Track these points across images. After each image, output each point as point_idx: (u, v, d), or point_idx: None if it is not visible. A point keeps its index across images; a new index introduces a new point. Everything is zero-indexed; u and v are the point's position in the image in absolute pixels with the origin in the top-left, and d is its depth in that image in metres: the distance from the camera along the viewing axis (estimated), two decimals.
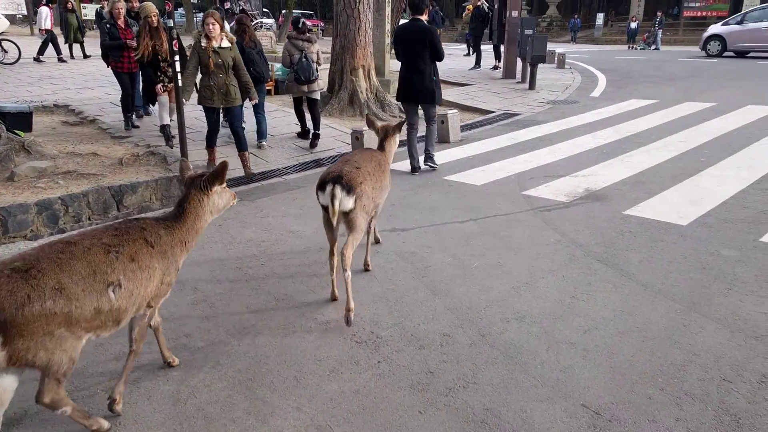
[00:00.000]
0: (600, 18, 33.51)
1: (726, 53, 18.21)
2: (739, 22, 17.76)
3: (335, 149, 7.19)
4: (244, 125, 6.85)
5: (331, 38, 10.06)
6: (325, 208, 3.07)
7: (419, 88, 5.88)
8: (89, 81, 11.64)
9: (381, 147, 3.84)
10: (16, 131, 6.37)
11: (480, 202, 5.04)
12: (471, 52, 20.69)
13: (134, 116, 8.04)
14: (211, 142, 6.23)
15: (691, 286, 3.45)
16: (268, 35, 19.29)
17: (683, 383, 2.54)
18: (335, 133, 7.95)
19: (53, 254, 2.03)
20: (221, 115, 6.37)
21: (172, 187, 5.80)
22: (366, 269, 3.72)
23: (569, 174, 5.84)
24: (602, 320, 3.08)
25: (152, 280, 2.29)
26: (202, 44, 5.74)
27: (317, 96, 7.30)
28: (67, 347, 2.02)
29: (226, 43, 5.83)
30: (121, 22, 7.42)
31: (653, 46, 25.18)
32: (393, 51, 6.34)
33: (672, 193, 5.17)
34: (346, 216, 3.04)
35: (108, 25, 7.43)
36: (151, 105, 7.94)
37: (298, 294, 3.43)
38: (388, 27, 10.98)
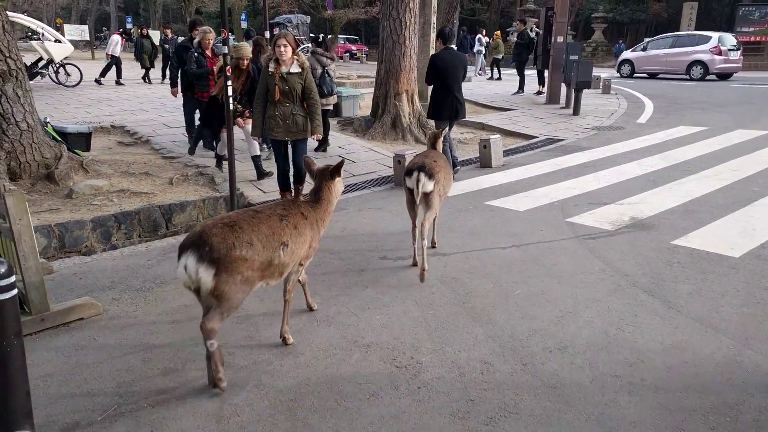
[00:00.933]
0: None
1: (636, 74, 21.41)
2: (644, 49, 21.55)
3: (377, 172, 7.27)
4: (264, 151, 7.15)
5: (375, 63, 10.23)
6: (410, 191, 3.95)
7: (459, 108, 6.67)
8: (144, 103, 12.17)
9: (435, 147, 4.73)
10: (76, 151, 6.70)
11: (522, 228, 5.00)
12: (493, 76, 20.78)
13: (201, 143, 7.96)
14: (284, 184, 5.77)
15: (744, 320, 3.32)
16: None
17: (736, 423, 2.43)
18: (378, 157, 8.05)
19: (247, 217, 2.75)
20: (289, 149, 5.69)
21: (219, 207, 5.98)
22: (433, 246, 4.50)
23: (614, 202, 5.73)
24: (649, 354, 2.99)
25: (305, 244, 3.01)
26: (270, 69, 5.31)
27: (330, 107, 8.31)
28: (245, 289, 2.67)
29: (295, 68, 5.30)
30: (209, 52, 7.52)
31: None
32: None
33: (723, 223, 5.00)
34: (426, 197, 3.90)
35: (196, 54, 7.46)
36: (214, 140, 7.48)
37: (338, 315, 3.47)
38: (431, 52, 11.10)
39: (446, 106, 6.57)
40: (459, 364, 2.93)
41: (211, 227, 2.61)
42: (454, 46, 6.66)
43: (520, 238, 4.75)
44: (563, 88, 12.78)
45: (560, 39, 12.83)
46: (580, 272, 4.07)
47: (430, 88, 6.83)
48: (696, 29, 31.64)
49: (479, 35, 22.94)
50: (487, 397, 2.66)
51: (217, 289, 2.54)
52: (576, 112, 11.55)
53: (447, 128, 6.22)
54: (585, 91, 11.78)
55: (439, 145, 4.80)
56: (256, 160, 6.72)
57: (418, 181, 3.85)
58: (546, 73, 13.88)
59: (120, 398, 2.66)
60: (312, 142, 7.31)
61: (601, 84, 15.46)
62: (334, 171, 3.31)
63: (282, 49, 5.17)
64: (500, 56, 21.34)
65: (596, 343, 3.10)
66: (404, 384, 2.77)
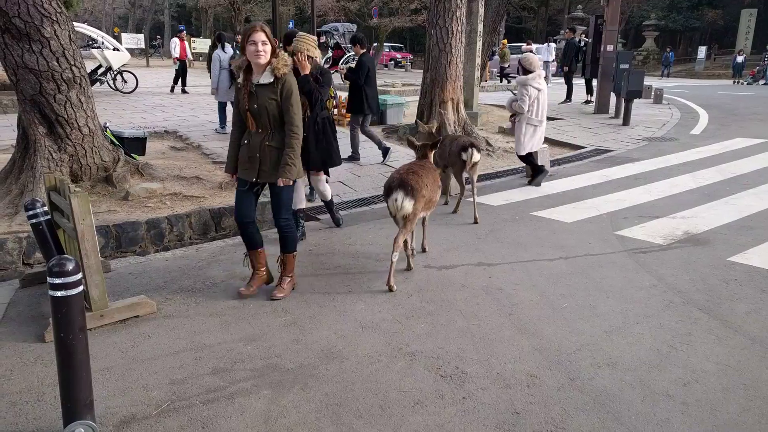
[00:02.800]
0: (702, 51, 31.89)
1: None
2: None
3: None
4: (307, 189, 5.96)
5: (419, 71, 10.29)
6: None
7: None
8: (195, 110, 12.54)
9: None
10: (132, 154, 6.98)
11: (570, 240, 4.91)
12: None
13: None
14: (249, 241, 3.91)
15: None
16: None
17: None
18: None
19: (418, 170, 4.10)
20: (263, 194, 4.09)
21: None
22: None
23: (666, 215, 5.57)
24: (704, 374, 2.89)
25: (435, 193, 4.31)
26: (239, 80, 3.66)
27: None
28: (418, 215, 4.06)
29: (267, 78, 3.54)
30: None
31: (762, 81, 23.61)
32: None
33: None
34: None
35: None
36: None
37: (383, 323, 3.49)
38: (478, 61, 11.07)
39: (373, 100, 7.95)
40: (505, 375, 2.91)
41: (406, 175, 3.97)
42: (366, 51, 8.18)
43: (567, 250, 4.67)
44: (612, 97, 12.50)
45: (610, 47, 12.57)
46: (630, 287, 3.97)
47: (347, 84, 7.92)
48: (755, 37, 30.49)
49: (550, 43, 21.95)
50: (534, 410, 2.62)
51: (411, 214, 3.89)
52: (626, 122, 11.28)
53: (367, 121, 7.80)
54: (636, 100, 11.49)
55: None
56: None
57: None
58: (594, 82, 13.62)
59: (173, 394, 2.76)
60: (371, 151, 7.60)
61: (653, 93, 15.05)
62: (432, 147, 4.53)
63: (258, 48, 3.44)
64: (506, 65, 20.90)
65: (647, 361, 3.02)
66: (449, 393, 2.76)
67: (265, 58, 3.49)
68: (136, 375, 2.93)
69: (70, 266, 2.19)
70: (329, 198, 5.36)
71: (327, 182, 5.35)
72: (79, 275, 2.22)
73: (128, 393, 2.77)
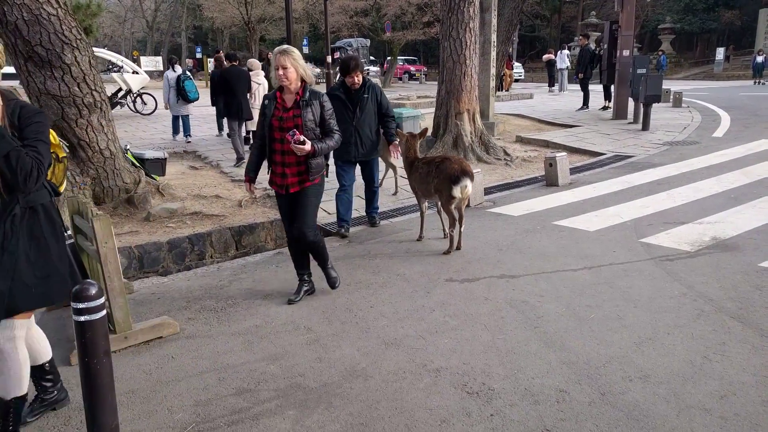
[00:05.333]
0: (720, 53, 31.42)
1: None
2: None
3: None
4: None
5: (434, 83, 10.31)
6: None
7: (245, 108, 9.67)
8: (213, 129, 12.69)
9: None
10: (152, 175, 7.07)
11: (594, 250, 4.82)
12: (553, 86, 19.90)
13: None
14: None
15: None
16: (374, 81, 20.08)
17: None
18: None
19: (456, 158, 4.96)
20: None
21: None
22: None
23: (692, 221, 5.44)
24: (741, 386, 2.79)
25: None
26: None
27: None
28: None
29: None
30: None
31: None
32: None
33: None
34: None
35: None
36: None
37: (407, 339, 3.44)
38: (493, 71, 11.04)
39: (236, 107, 9.12)
40: (533, 391, 2.84)
41: (463, 163, 4.78)
42: (236, 63, 9.45)
43: (591, 260, 4.58)
44: (631, 102, 12.36)
45: (626, 53, 12.45)
46: (658, 296, 3.87)
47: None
48: None
49: (565, 51, 21.56)
50: (565, 427, 2.55)
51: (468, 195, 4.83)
52: (645, 127, 11.13)
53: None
54: (654, 105, 11.33)
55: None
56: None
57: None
58: (612, 87, 13.49)
59: (197, 417, 2.74)
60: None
61: (672, 97, 14.85)
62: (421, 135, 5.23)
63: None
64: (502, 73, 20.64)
65: (681, 373, 2.93)
66: (476, 411, 2.70)
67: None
68: (160, 397, 2.92)
69: (93, 291, 2.19)
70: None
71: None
72: (102, 299, 2.22)
73: (153, 416, 2.76)
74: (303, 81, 3.80)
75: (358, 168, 5.68)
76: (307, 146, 3.65)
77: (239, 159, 8.93)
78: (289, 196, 3.93)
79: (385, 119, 5.57)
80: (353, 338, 3.48)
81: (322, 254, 4.11)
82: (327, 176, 4.16)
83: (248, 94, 9.57)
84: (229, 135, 9.59)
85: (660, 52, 29.91)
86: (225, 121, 10.11)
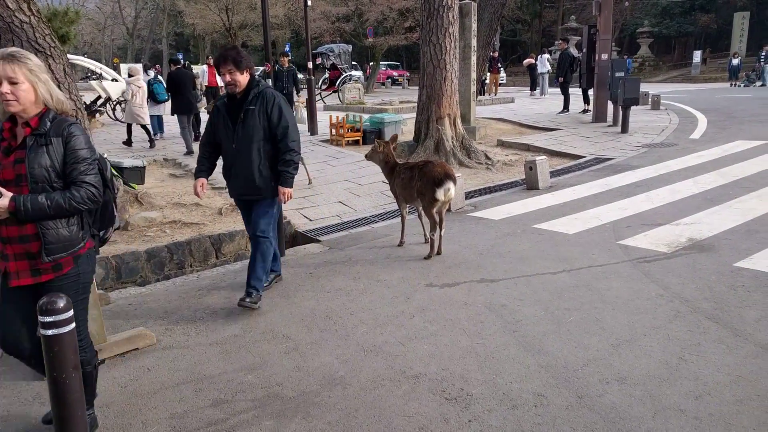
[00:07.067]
0: (697, 56, 31.99)
1: None
2: None
3: None
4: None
5: (417, 88, 10.33)
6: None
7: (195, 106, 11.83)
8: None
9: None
10: (131, 184, 6.98)
11: (573, 252, 4.85)
12: (534, 90, 20.15)
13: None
14: None
15: None
16: (357, 87, 20.09)
17: None
18: None
19: (439, 161, 5.10)
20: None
21: None
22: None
23: (670, 222, 5.51)
24: (716, 386, 2.82)
25: None
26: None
27: None
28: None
29: None
30: None
31: (759, 82, 23.64)
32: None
33: None
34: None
35: None
36: None
37: (386, 345, 3.43)
38: (473, 75, 11.10)
39: (184, 104, 10.80)
40: (511, 396, 2.84)
41: (446, 166, 4.80)
42: (179, 66, 11.45)
43: (570, 263, 4.61)
44: (610, 105, 12.51)
45: (605, 56, 12.61)
46: (636, 298, 3.90)
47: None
48: (749, 39, 30.61)
49: (545, 55, 21.82)
50: (543, 431, 2.55)
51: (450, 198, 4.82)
52: (624, 129, 11.27)
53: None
54: (633, 107, 11.49)
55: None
56: None
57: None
58: (591, 91, 13.64)
59: (172, 429, 2.70)
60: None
61: (650, 100, 15.06)
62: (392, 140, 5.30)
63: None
64: (484, 78, 20.89)
65: (657, 374, 2.95)
66: (454, 417, 2.70)
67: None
68: (135, 411, 2.87)
69: (62, 303, 2.15)
70: None
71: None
72: (71, 312, 2.18)
73: (127, 430, 2.72)
74: (45, 106, 2.38)
75: None
76: (3, 200, 2.21)
77: (189, 151, 10.33)
78: (20, 293, 2.43)
79: (279, 147, 3.83)
80: (332, 346, 3.46)
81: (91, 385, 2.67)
82: (98, 252, 2.78)
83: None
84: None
85: (625, 57, 30.42)
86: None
